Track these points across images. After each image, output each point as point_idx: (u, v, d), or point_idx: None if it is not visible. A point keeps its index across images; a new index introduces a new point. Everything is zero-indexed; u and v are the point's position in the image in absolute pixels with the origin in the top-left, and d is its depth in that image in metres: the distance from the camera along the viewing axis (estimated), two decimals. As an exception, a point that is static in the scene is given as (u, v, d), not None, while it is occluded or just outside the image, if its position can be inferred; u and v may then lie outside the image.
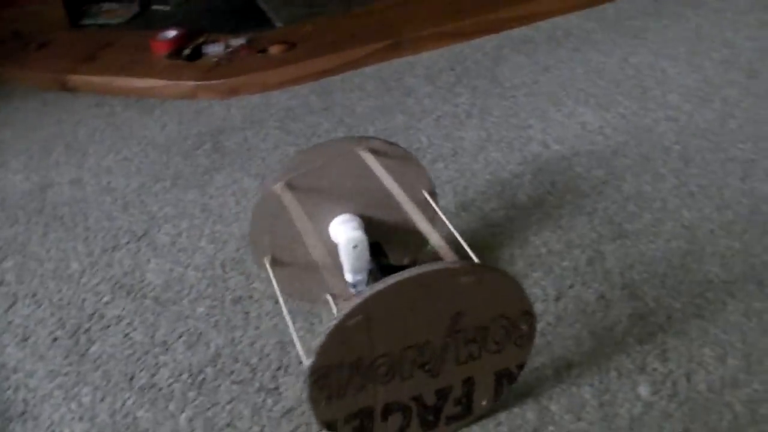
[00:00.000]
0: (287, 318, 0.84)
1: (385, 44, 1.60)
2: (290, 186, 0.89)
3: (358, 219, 0.93)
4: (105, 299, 1.07)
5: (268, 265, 0.94)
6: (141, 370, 0.95)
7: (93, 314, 1.05)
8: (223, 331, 0.99)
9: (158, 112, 1.52)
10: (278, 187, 0.89)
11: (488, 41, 1.64)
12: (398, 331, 0.73)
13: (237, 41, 1.69)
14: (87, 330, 1.02)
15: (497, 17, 1.69)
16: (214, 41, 1.69)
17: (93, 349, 0.99)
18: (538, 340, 0.89)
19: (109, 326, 1.02)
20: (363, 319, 0.70)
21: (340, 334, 0.70)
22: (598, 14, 1.72)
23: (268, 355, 0.95)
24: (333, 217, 0.93)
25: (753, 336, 0.92)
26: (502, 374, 0.82)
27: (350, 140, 0.92)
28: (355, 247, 0.89)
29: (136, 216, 1.23)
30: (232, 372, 0.93)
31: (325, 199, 0.92)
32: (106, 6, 2.01)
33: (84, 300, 1.07)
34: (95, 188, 1.31)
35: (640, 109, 1.36)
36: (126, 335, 1.01)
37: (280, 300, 0.89)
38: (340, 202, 0.93)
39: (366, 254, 0.89)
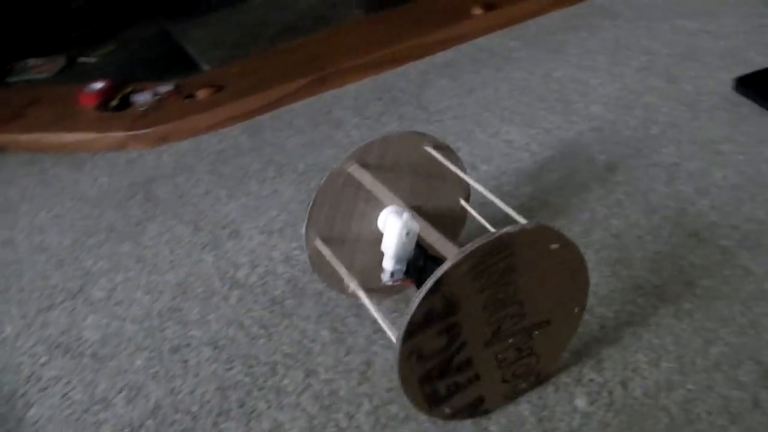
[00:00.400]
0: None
1: (312, 79, 1.61)
2: (362, 166, 0.95)
3: (409, 210, 0.94)
4: (42, 360, 1.06)
5: (319, 243, 0.97)
6: (82, 430, 0.94)
7: (30, 377, 1.03)
8: (163, 381, 0.99)
9: (89, 165, 1.51)
10: (346, 168, 0.94)
11: (413, 67, 1.65)
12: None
13: (164, 88, 1.68)
14: (24, 394, 1.00)
15: (421, 43, 1.71)
16: (141, 90, 1.69)
17: (31, 412, 0.98)
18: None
19: (47, 388, 1.01)
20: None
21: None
22: (520, 32, 1.75)
23: (208, 401, 0.95)
24: (383, 207, 0.97)
25: (685, 337, 0.94)
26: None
27: (414, 135, 0.97)
28: (407, 233, 0.89)
29: (70, 273, 1.21)
30: (173, 422, 0.93)
31: (381, 188, 0.94)
32: (31, 62, 2.00)
33: (20, 363, 1.06)
34: (28, 248, 1.29)
35: (565, 122, 1.38)
36: (64, 395, 0.99)
37: (345, 275, 0.94)
38: (394, 192, 0.95)
39: (413, 244, 0.90)
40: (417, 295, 0.75)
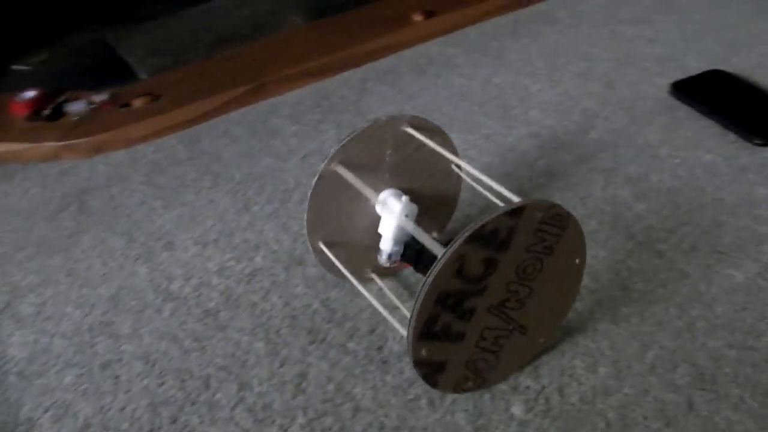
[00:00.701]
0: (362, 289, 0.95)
1: (250, 87, 1.59)
2: (344, 165, 0.94)
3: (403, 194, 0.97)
4: (-35, 381, 1.02)
5: (323, 247, 0.99)
6: (6, 452, 0.91)
7: (-48, 399, 1.00)
8: (92, 399, 0.96)
9: (20, 177, 1.47)
10: (332, 169, 0.94)
11: (353, 74, 1.64)
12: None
13: (100, 97, 1.65)
14: (-56, 418, 0.97)
15: (362, 50, 1.70)
16: (75, 99, 1.65)
17: (-49, 437, 0.94)
18: (411, 371, 0.88)
19: (-31, 409, 0.97)
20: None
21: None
22: (460, 39, 1.74)
23: (139, 418, 0.92)
24: (378, 193, 0.98)
25: (621, 341, 0.94)
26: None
27: (393, 118, 0.96)
28: (407, 215, 0.92)
29: (-2, 288, 1.18)
30: (102, 441, 0.90)
31: (371, 175, 0.96)
32: (-37, 72, 1.95)
33: (-58, 384, 1.02)
34: (-46, 263, 1.25)
35: (504, 128, 1.38)
36: (-13, 416, 0.96)
37: (350, 277, 0.96)
38: (384, 177, 0.98)
39: (411, 226, 0.92)
40: (496, 210, 0.76)
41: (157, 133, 1.52)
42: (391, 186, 0.99)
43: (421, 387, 0.91)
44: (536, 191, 1.20)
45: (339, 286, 1.07)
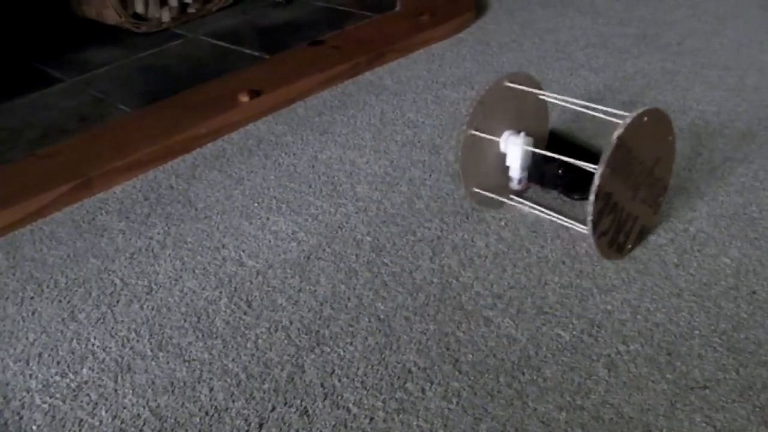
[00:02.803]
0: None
1: (74, 185, 1.54)
2: (477, 126, 1.24)
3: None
4: None
5: (477, 190, 1.30)
6: None
7: None
8: None
9: None
10: (468, 133, 1.24)
11: (182, 162, 1.61)
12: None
13: None
14: None
15: (189, 136, 1.67)
16: None
17: None
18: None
19: None
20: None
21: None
22: (288, 116, 1.74)
23: None
24: (499, 137, 1.28)
25: (454, 418, 0.94)
26: (642, 230, 1.25)
27: (500, 78, 1.26)
28: (527, 146, 1.26)
29: None
30: None
31: (495, 125, 1.27)
32: None
33: None
34: None
35: (331, 206, 1.38)
36: None
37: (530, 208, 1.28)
38: (503, 124, 1.29)
39: (530, 154, 1.28)
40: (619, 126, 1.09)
41: (-26, 244, 1.45)
42: (508, 128, 1.28)
43: None
44: (365, 269, 1.20)
45: (168, 393, 1.03)
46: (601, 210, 1.11)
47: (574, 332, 1.06)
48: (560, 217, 1.27)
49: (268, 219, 1.36)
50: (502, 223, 1.29)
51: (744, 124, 1.59)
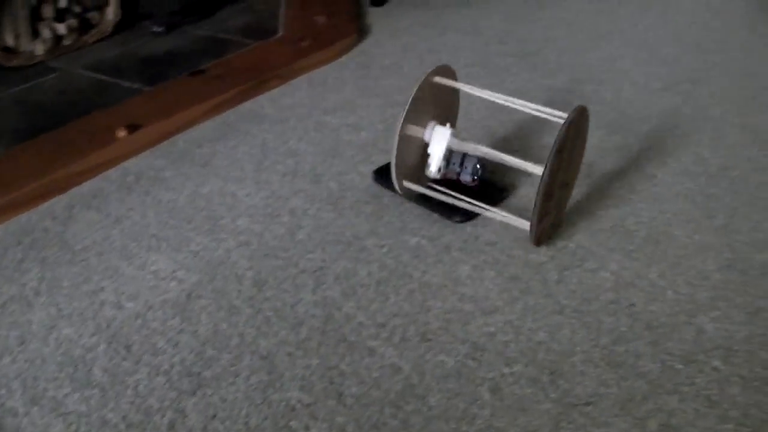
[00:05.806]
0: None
1: (-59, 232, 1.47)
2: (409, 119, 1.32)
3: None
4: None
5: (406, 183, 1.37)
6: None
7: None
8: None
9: None
10: (404, 126, 1.31)
11: (58, 203, 1.56)
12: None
13: None
14: None
15: (64, 174, 1.62)
16: None
17: None
18: None
19: None
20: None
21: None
22: (168, 149, 1.71)
23: None
24: (424, 129, 1.38)
25: (338, 455, 0.93)
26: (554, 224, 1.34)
27: (429, 74, 1.35)
28: (447, 138, 1.35)
29: None
30: None
31: (421, 116, 1.36)
32: None
33: None
34: None
35: (212, 241, 1.35)
36: None
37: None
38: (427, 115, 1.38)
39: (452, 145, 1.37)
40: (561, 128, 1.19)
41: None
42: (431, 120, 1.38)
43: None
44: (247, 306, 1.18)
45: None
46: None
47: (458, 357, 1.07)
48: (479, 204, 1.33)
49: (147, 258, 1.32)
50: (385, 250, 1.29)
51: (620, 137, 1.64)
